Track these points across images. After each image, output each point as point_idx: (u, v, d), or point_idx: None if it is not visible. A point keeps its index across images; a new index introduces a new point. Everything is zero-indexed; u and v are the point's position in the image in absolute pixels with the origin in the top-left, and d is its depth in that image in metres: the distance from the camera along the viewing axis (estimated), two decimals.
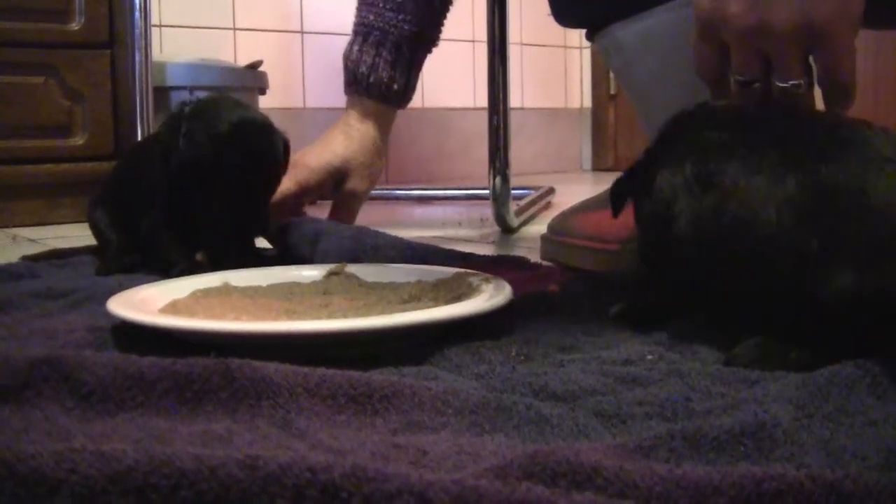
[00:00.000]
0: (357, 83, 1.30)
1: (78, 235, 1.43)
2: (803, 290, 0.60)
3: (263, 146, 1.01)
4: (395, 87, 1.28)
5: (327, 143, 1.30)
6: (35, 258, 1.22)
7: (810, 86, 0.70)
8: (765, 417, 0.48)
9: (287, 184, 1.17)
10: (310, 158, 1.29)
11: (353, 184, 1.31)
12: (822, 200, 0.60)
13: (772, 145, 0.65)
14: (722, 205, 0.65)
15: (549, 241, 1.18)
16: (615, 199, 0.78)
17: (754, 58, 0.70)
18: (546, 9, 1.22)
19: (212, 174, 0.98)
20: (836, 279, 0.58)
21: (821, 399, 0.52)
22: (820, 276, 0.59)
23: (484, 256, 1.10)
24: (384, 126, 1.33)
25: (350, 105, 1.32)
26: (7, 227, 1.72)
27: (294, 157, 1.13)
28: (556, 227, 1.17)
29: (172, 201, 1.02)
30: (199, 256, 1.03)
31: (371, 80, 1.27)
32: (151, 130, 1.66)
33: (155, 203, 1.04)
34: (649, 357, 0.65)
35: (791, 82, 0.69)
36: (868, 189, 0.59)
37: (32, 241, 1.52)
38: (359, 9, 1.34)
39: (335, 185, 1.31)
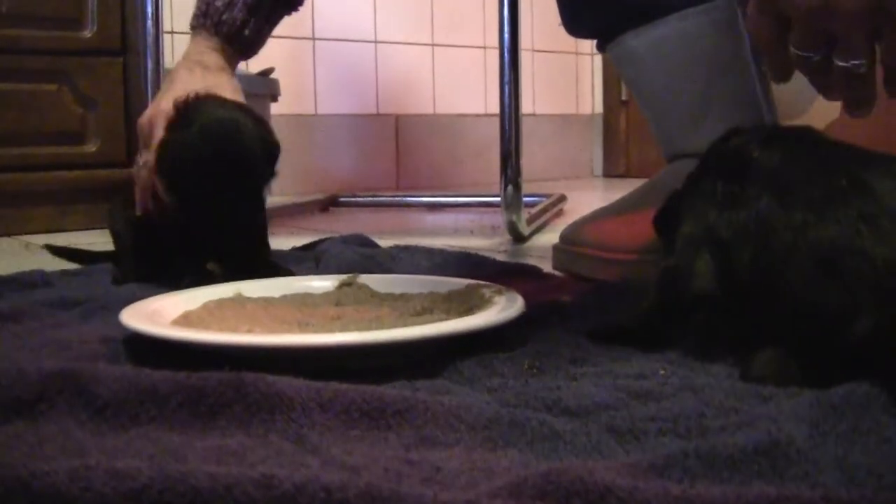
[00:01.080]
0: (207, 17, 1.17)
1: (90, 243, 1.43)
2: (821, 330, 0.60)
3: (231, 145, 0.98)
4: (246, 32, 1.17)
5: (185, 82, 1.14)
6: (58, 251, 1.30)
7: (871, 65, 0.69)
8: (779, 436, 0.48)
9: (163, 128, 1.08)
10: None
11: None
12: (821, 261, 0.60)
13: (772, 197, 0.65)
14: (732, 263, 0.66)
15: (561, 251, 1.17)
16: (660, 232, 0.78)
17: (818, 35, 0.68)
18: (558, 17, 1.22)
19: (190, 176, 0.97)
20: (855, 328, 0.58)
21: (835, 417, 0.51)
22: (839, 324, 0.59)
23: (496, 266, 1.10)
24: (230, 67, 1.20)
25: (195, 43, 1.18)
26: (20, 234, 1.72)
27: (158, 103, 1.08)
28: (568, 237, 1.17)
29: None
30: (209, 266, 1.03)
31: (224, 16, 1.16)
32: None
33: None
34: (662, 371, 0.65)
35: (852, 62, 0.68)
36: (866, 250, 0.58)
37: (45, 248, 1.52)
38: None
39: None
